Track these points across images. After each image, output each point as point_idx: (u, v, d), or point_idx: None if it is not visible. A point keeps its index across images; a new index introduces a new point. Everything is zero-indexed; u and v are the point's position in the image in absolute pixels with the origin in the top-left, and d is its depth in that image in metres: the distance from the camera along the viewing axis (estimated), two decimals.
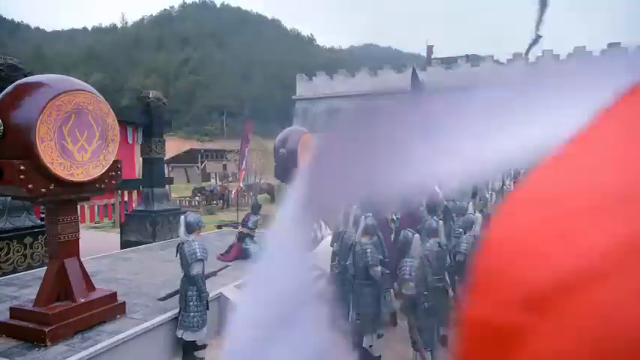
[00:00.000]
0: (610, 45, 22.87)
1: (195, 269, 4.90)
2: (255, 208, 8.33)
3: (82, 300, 4.69)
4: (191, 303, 4.93)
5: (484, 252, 0.34)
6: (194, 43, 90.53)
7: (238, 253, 7.78)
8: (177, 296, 5.14)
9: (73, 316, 4.53)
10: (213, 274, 5.55)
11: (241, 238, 7.93)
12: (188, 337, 4.93)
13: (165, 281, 6.36)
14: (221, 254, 7.78)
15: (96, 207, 10.14)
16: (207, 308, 5.12)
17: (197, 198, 23.48)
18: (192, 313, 4.91)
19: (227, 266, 6.06)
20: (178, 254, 5.09)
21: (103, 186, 4.87)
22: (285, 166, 9.63)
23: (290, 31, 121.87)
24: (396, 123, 0.66)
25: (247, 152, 11.74)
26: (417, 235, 4.74)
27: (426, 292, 4.52)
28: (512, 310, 0.29)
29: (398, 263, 5.03)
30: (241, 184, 11.82)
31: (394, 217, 7.47)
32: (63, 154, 4.29)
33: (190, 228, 5.12)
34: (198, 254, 4.90)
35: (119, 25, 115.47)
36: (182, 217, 5.26)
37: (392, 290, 5.97)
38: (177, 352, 5.14)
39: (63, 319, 4.44)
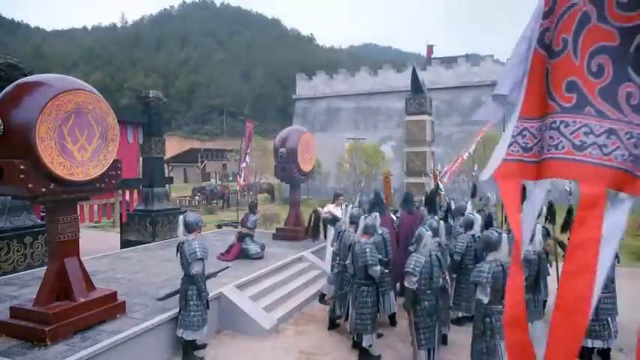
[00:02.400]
0: None
1: (195, 268, 4.91)
2: (253, 208, 8.33)
3: (82, 299, 4.69)
4: (191, 302, 4.94)
5: None
6: (194, 43, 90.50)
7: (238, 253, 7.79)
8: (177, 296, 5.15)
9: (73, 315, 4.54)
10: (213, 274, 5.55)
11: (241, 238, 7.94)
12: (188, 336, 4.93)
13: (165, 281, 6.37)
14: (221, 254, 7.79)
15: (95, 206, 10.12)
16: (208, 307, 5.13)
17: (197, 198, 23.45)
18: (192, 313, 4.92)
19: (227, 267, 6.05)
20: (179, 254, 5.10)
21: (103, 185, 4.87)
22: (285, 166, 9.65)
23: (290, 31, 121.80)
24: None
25: (249, 150, 11.70)
26: (429, 232, 4.71)
27: (429, 291, 4.53)
28: None
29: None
30: (241, 182, 11.72)
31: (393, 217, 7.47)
32: (63, 153, 4.29)
33: (190, 228, 5.12)
34: (199, 253, 4.90)
35: (119, 25, 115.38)
36: (181, 216, 5.26)
37: (391, 292, 5.96)
38: (176, 352, 5.15)
39: (63, 318, 4.44)
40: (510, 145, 1.39)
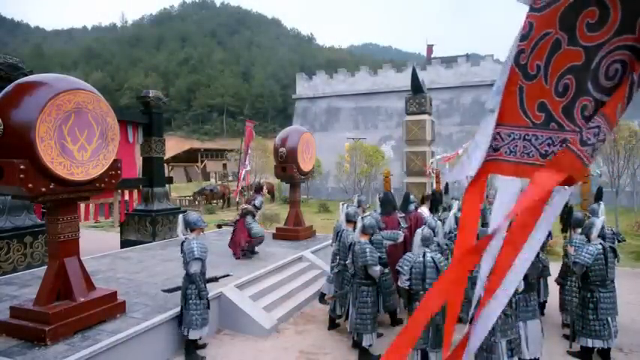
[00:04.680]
0: None
1: (194, 267, 4.90)
2: (259, 189, 8.35)
3: (82, 299, 4.69)
4: (191, 301, 4.94)
5: None
6: (194, 42, 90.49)
7: (248, 236, 7.81)
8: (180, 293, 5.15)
9: (73, 315, 4.54)
10: (215, 279, 5.57)
11: (244, 215, 7.96)
12: (191, 335, 4.93)
13: (165, 280, 6.36)
14: (230, 239, 7.94)
15: (91, 205, 10.12)
16: (208, 307, 5.12)
17: (198, 198, 23.35)
18: (191, 312, 4.92)
19: (229, 275, 6.06)
20: (182, 252, 5.11)
21: (102, 185, 4.87)
22: (285, 166, 9.65)
23: (290, 31, 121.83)
24: None
25: (250, 150, 11.65)
26: (418, 230, 4.73)
27: (421, 292, 4.48)
28: None
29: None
30: (242, 184, 11.68)
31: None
32: (63, 153, 4.29)
33: (190, 227, 5.12)
34: (196, 253, 4.89)
35: (119, 24, 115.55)
36: (180, 215, 5.26)
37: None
38: (177, 351, 5.15)
39: (63, 318, 4.44)
40: (487, 148, 1.71)
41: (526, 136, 1.58)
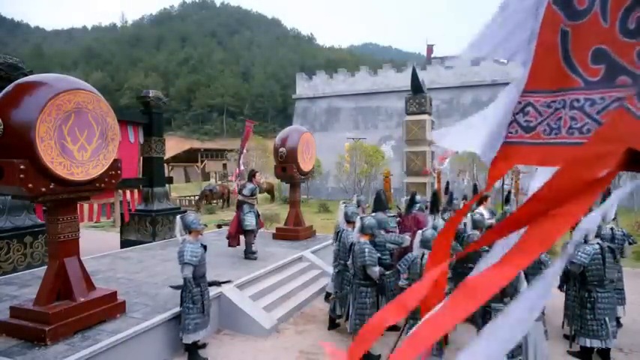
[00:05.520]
0: None
1: (185, 272, 4.82)
2: (250, 176, 8.15)
3: (82, 299, 4.69)
4: (185, 305, 4.90)
5: None
6: (194, 42, 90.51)
7: (238, 223, 7.76)
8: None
9: (73, 315, 4.54)
10: (217, 284, 5.57)
11: (239, 205, 7.89)
12: (184, 339, 4.88)
13: (165, 280, 6.37)
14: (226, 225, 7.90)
15: (95, 205, 10.11)
16: (203, 311, 4.99)
17: (200, 203, 23.14)
18: (185, 315, 4.88)
19: (230, 281, 6.07)
20: None
21: (102, 185, 4.87)
22: (285, 166, 9.65)
23: (290, 30, 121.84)
24: None
25: (245, 150, 11.66)
26: (419, 232, 4.74)
27: None
28: None
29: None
30: (237, 182, 11.72)
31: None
32: (63, 153, 4.29)
33: (187, 228, 5.09)
34: (185, 258, 4.80)
35: (119, 24, 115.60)
36: (178, 217, 5.23)
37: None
38: (176, 352, 5.15)
39: (63, 318, 4.44)
40: (509, 124, 1.18)
41: (575, 103, 1.05)
